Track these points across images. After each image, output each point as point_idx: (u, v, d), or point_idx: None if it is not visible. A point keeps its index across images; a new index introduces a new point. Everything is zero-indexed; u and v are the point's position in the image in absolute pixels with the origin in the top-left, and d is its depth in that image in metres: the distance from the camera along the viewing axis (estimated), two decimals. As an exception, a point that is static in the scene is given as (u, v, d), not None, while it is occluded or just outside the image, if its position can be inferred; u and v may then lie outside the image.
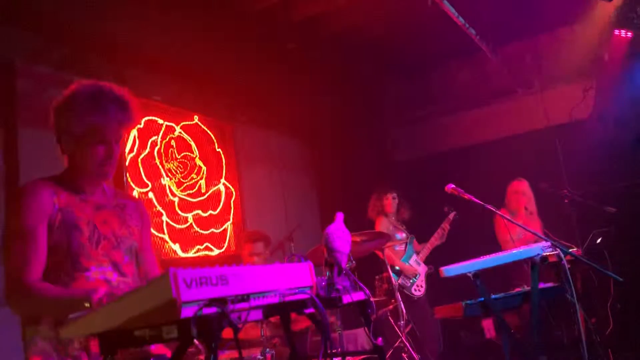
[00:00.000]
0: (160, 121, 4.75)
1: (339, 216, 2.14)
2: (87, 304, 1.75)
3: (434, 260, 5.14)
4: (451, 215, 5.34)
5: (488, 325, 5.40)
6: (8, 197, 2.06)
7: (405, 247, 5.24)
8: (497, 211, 3.45)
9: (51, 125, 2.08)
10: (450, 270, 2.81)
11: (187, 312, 1.35)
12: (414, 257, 5.24)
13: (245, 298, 1.49)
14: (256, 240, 4.45)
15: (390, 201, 5.29)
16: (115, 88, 2.09)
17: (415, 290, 5.09)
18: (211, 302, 1.39)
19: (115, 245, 2.11)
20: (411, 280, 5.10)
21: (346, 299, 1.94)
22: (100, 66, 4.00)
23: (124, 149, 4.31)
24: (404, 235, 5.26)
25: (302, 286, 1.79)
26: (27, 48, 3.64)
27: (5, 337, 2.60)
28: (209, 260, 4.83)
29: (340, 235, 2.05)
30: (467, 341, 5.58)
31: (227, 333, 1.46)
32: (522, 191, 4.91)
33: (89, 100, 2.02)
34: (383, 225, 5.20)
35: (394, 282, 4.66)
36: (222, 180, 5.30)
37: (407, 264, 5.14)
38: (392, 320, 4.63)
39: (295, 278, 1.78)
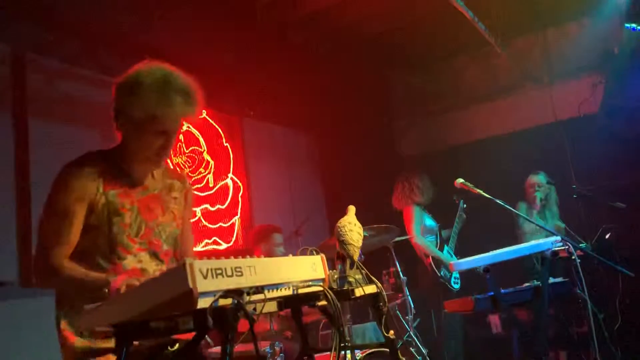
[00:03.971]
0: (169, 115, 4.75)
1: (351, 209, 2.14)
2: (105, 290, 1.76)
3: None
4: (462, 203, 5.09)
5: (494, 320, 5.38)
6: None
7: (436, 237, 4.90)
8: (506, 205, 3.44)
9: (112, 99, 1.97)
10: (461, 264, 2.82)
11: (203, 303, 1.35)
12: (446, 248, 4.93)
13: (260, 290, 1.49)
14: (278, 231, 4.42)
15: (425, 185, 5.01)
16: (181, 77, 1.98)
17: (454, 283, 4.81)
18: (227, 293, 1.39)
19: (157, 232, 2.06)
20: (451, 273, 4.80)
21: (358, 291, 1.95)
22: (110, 60, 4.01)
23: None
24: (433, 223, 4.96)
25: (315, 279, 1.79)
26: (38, 42, 3.64)
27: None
28: (217, 255, 4.82)
29: (353, 229, 2.06)
30: (473, 335, 5.56)
31: (240, 326, 1.46)
32: (535, 184, 4.96)
33: (153, 90, 1.91)
34: (416, 213, 4.89)
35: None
36: (230, 175, 5.30)
37: (448, 258, 4.80)
38: (400, 315, 4.63)
39: (308, 270, 1.78)
